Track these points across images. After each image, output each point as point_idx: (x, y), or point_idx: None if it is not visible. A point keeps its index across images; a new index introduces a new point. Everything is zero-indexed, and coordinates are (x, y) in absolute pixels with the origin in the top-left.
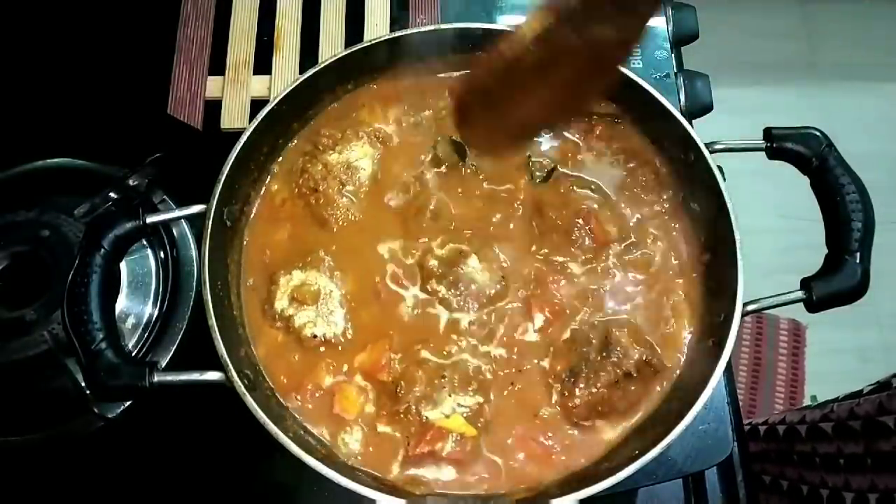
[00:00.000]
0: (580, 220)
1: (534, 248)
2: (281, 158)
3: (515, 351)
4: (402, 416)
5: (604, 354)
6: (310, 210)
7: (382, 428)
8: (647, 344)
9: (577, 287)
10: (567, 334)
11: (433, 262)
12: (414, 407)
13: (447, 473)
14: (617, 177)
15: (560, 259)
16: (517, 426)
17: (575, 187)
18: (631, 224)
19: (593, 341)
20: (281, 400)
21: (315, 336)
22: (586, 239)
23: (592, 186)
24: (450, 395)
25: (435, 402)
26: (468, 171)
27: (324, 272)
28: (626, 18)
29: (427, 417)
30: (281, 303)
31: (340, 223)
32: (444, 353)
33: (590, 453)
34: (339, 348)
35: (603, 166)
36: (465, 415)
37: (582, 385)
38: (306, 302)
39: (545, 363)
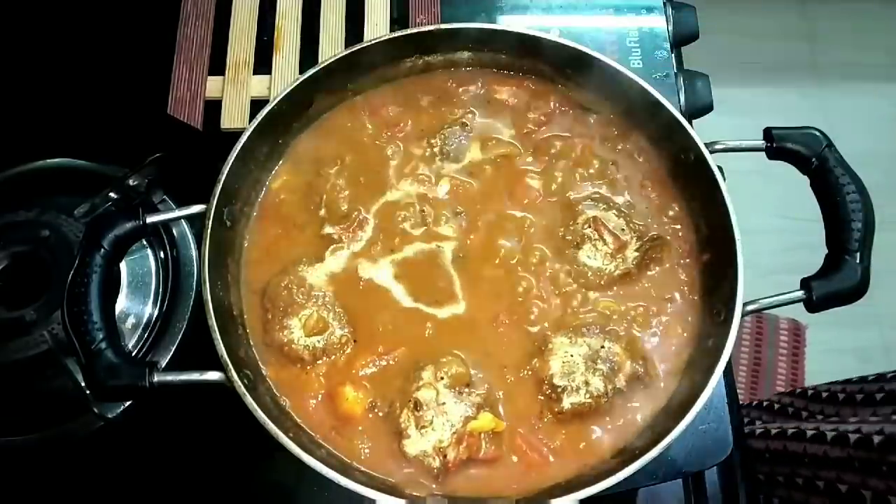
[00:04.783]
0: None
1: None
2: (282, 160)
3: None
4: (428, 428)
5: (596, 364)
6: (313, 210)
7: (415, 444)
8: (642, 356)
9: (573, 289)
10: (560, 337)
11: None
12: (434, 417)
13: (487, 475)
14: (618, 180)
15: (565, 266)
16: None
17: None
18: (633, 227)
19: (585, 351)
20: (311, 433)
21: (336, 341)
22: (598, 244)
23: (595, 194)
24: (455, 403)
25: (447, 413)
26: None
27: (318, 301)
28: None
29: (453, 425)
30: (300, 342)
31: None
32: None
33: (578, 458)
34: (353, 353)
35: (603, 168)
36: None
37: (569, 393)
38: (321, 332)
39: (536, 364)
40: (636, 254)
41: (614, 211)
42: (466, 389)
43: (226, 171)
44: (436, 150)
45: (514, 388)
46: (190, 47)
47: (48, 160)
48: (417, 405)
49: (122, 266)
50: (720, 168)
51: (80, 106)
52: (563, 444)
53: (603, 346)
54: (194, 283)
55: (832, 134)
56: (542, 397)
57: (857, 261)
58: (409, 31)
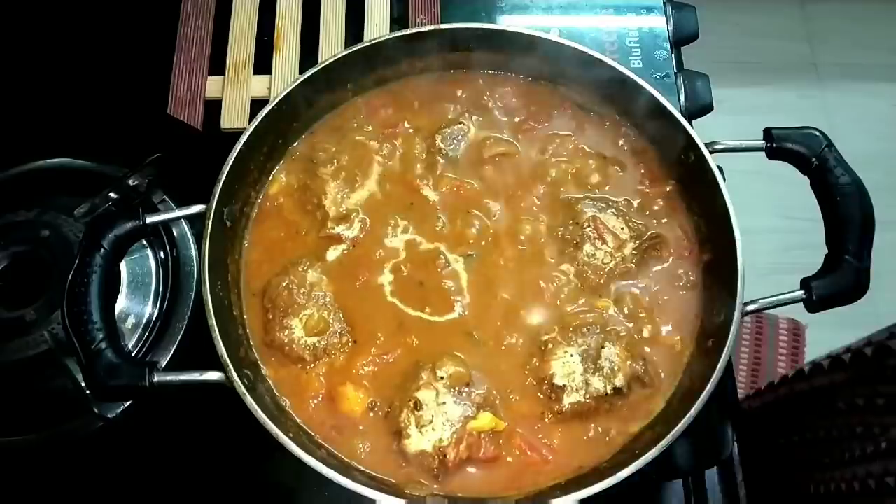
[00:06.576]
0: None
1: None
2: (282, 160)
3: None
4: (427, 427)
5: (596, 364)
6: (312, 210)
7: (415, 444)
8: (642, 356)
9: (574, 289)
10: (560, 338)
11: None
12: (434, 417)
13: (487, 475)
14: (617, 179)
15: (565, 265)
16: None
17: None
18: (632, 226)
19: (585, 351)
20: (311, 433)
21: (336, 341)
22: (598, 243)
23: (594, 194)
24: (455, 403)
25: (447, 413)
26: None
27: (318, 301)
28: None
29: (453, 425)
30: (303, 340)
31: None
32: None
33: (577, 458)
34: (353, 352)
35: (603, 168)
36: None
37: (569, 393)
38: (321, 332)
39: (536, 364)
40: (636, 253)
41: (613, 210)
42: (466, 389)
43: (226, 171)
44: (435, 150)
45: (514, 387)
46: (190, 47)
47: (48, 160)
48: (417, 405)
49: (122, 266)
50: (720, 168)
51: (80, 106)
52: (563, 444)
53: (603, 347)
54: (194, 283)
55: (832, 134)
56: (542, 397)
57: (857, 261)
58: (408, 32)
